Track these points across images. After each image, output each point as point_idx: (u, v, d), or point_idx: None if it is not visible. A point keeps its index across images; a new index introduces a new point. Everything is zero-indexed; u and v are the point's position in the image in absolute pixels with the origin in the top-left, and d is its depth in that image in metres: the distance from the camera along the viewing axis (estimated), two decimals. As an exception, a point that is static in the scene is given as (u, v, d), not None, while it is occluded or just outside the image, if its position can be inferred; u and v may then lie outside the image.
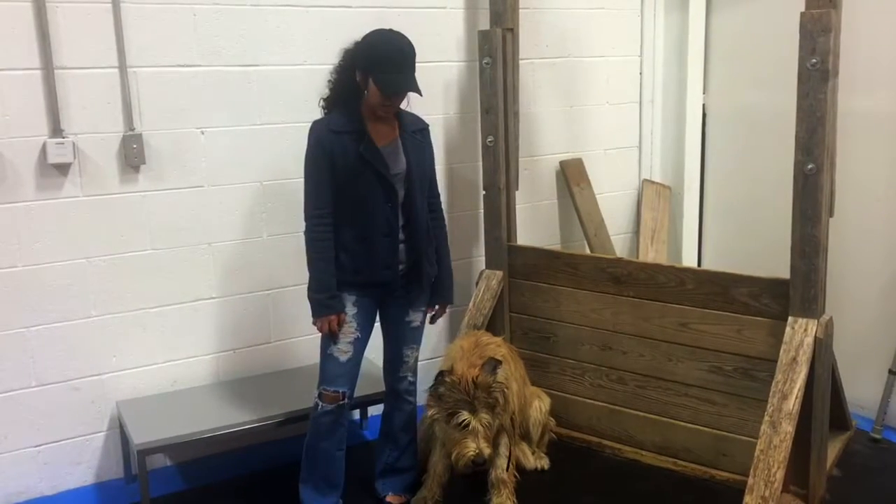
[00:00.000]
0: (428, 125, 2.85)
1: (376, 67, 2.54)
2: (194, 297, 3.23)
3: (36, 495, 3.07)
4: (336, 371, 2.71)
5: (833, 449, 3.13)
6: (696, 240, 4.28)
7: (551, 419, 3.32)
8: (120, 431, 3.13)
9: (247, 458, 3.34)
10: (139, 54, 2.99)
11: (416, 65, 2.61)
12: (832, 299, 2.91)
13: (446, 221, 2.99)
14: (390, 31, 2.63)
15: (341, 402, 2.72)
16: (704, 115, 4.17)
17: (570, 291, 3.34)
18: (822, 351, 2.71)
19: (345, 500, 2.87)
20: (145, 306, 3.14)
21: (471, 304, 3.44)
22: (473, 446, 2.60)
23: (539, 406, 3.20)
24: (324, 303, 2.64)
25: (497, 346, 2.95)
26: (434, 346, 3.72)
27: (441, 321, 3.05)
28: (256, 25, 3.18)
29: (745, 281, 2.90)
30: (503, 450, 2.86)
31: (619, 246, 4.24)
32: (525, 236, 3.74)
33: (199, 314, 3.25)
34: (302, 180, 2.67)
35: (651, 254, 4.11)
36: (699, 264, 4.28)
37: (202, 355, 3.29)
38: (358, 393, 2.85)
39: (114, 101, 2.97)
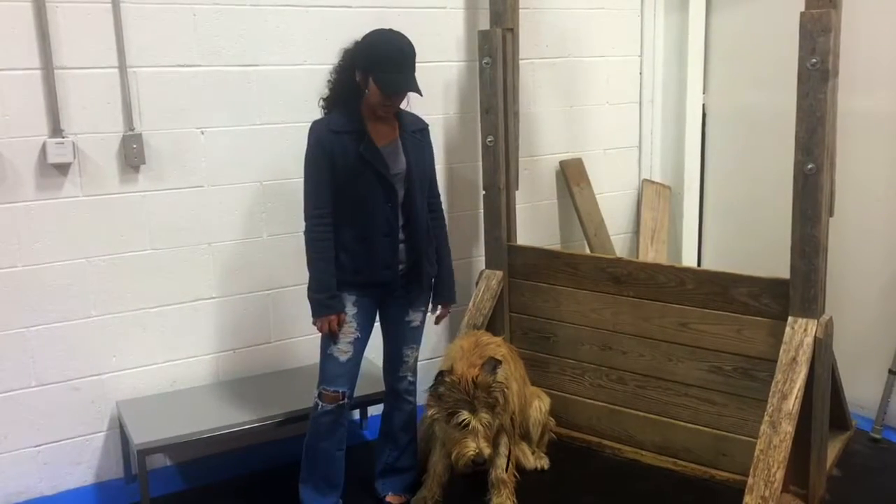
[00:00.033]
0: (428, 125, 2.85)
1: (376, 67, 2.54)
2: (194, 297, 3.23)
3: (36, 495, 3.07)
4: (336, 371, 2.71)
5: (833, 449, 3.13)
6: (696, 240, 4.28)
7: (551, 419, 3.32)
8: (120, 431, 3.13)
9: (247, 458, 3.34)
10: (139, 54, 2.99)
11: (416, 65, 2.61)
12: (832, 299, 2.91)
13: (446, 221, 2.99)
14: (390, 30, 2.63)
15: (341, 402, 2.72)
16: (704, 115, 4.17)
17: (570, 291, 3.34)
18: (822, 351, 2.71)
19: (345, 500, 2.87)
20: (145, 306, 3.14)
21: (470, 304, 3.44)
22: (473, 446, 2.60)
23: (539, 406, 3.20)
24: (324, 303, 2.64)
25: (497, 346, 2.95)
26: (434, 346, 3.72)
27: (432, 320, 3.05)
28: (256, 25, 3.18)
29: (745, 281, 2.90)
30: (503, 449, 2.86)
31: (619, 246, 4.24)
32: (525, 236, 3.74)
33: (199, 314, 3.25)
34: (302, 180, 2.67)
35: (651, 254, 4.11)
36: (699, 264, 4.28)
37: (202, 355, 3.29)
38: (358, 393, 2.85)
39: (114, 101, 2.98)
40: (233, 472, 3.25)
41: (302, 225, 2.68)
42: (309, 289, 2.67)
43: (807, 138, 2.62)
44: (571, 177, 4.02)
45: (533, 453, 3.21)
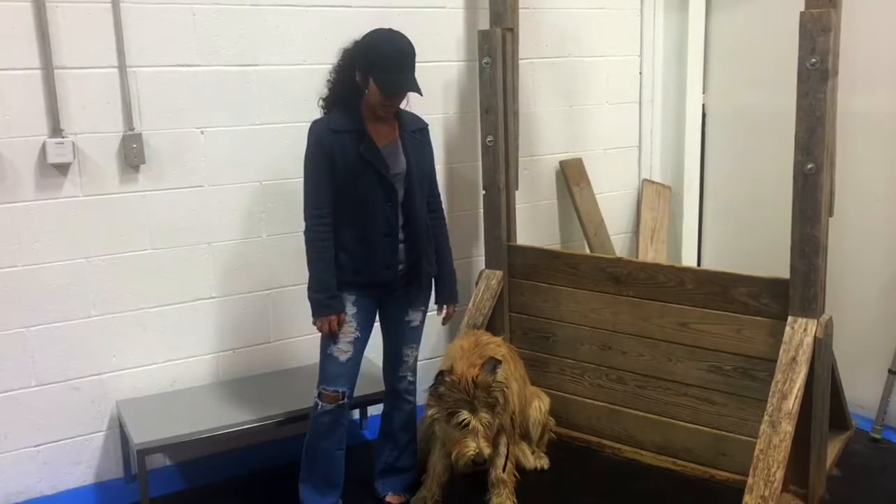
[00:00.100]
0: (427, 125, 2.85)
1: (376, 67, 2.54)
2: (194, 296, 3.23)
3: (36, 495, 3.07)
4: (336, 371, 2.71)
5: (833, 449, 3.13)
6: (695, 240, 4.28)
7: (551, 419, 3.32)
8: (120, 431, 3.13)
9: (246, 458, 3.34)
10: (139, 54, 2.99)
11: (416, 65, 2.61)
12: (832, 299, 2.91)
13: (446, 221, 2.98)
14: (390, 30, 2.63)
15: (341, 402, 2.72)
16: (704, 115, 4.17)
17: (570, 291, 3.34)
18: (822, 351, 2.71)
19: (344, 500, 2.87)
20: (145, 306, 3.14)
21: (470, 304, 3.44)
22: (473, 446, 2.60)
23: (539, 406, 3.20)
24: (324, 303, 2.64)
25: (497, 346, 2.95)
26: (434, 345, 3.72)
27: (440, 320, 3.05)
28: (256, 25, 3.18)
29: (744, 281, 2.90)
30: (502, 449, 2.86)
31: (619, 246, 4.24)
32: (525, 236, 3.74)
33: (199, 314, 3.25)
34: (301, 180, 2.67)
35: (651, 253, 4.11)
36: (699, 264, 4.28)
37: (202, 355, 3.29)
38: (358, 393, 2.85)
39: (113, 100, 2.98)
40: (232, 472, 3.25)
41: (302, 225, 2.68)
42: (309, 288, 2.67)
43: (806, 138, 2.62)
44: (571, 177, 4.02)
45: (533, 453, 3.21)
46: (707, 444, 3.08)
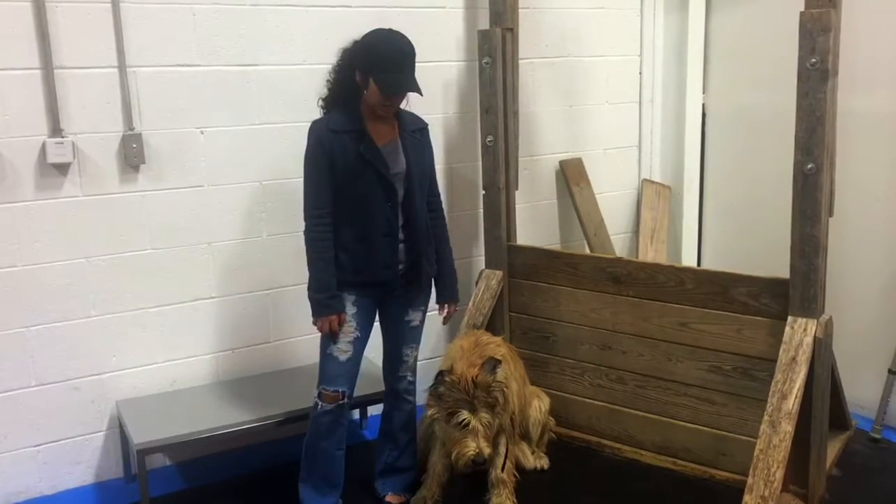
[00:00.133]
0: (427, 124, 2.85)
1: (376, 67, 2.54)
2: (194, 296, 3.23)
3: (35, 495, 3.07)
4: (336, 371, 2.71)
5: (833, 449, 3.13)
6: (695, 240, 4.28)
7: (551, 419, 3.32)
8: (120, 431, 3.13)
9: (246, 458, 3.34)
10: (139, 54, 2.99)
11: (416, 64, 2.61)
12: (832, 299, 2.91)
13: (446, 221, 2.98)
14: (390, 30, 2.63)
15: (341, 402, 2.72)
16: (704, 115, 4.17)
17: (570, 291, 3.34)
18: (822, 351, 2.71)
19: (344, 500, 2.87)
20: (145, 306, 3.14)
21: (470, 304, 3.44)
22: (473, 445, 2.60)
23: (539, 406, 3.20)
24: (324, 302, 2.64)
25: (497, 346, 2.95)
26: (434, 345, 3.72)
27: (440, 320, 3.05)
28: (256, 25, 3.18)
29: (744, 281, 2.90)
30: (502, 449, 2.86)
31: (619, 246, 4.24)
32: (525, 236, 3.74)
33: (199, 314, 3.25)
34: (301, 180, 2.67)
35: (651, 253, 4.11)
36: (699, 264, 4.28)
37: (202, 355, 3.29)
38: (358, 393, 2.85)
39: (113, 100, 2.98)
40: (232, 472, 3.25)
41: (301, 225, 2.68)
42: (309, 288, 2.67)
43: (806, 138, 2.62)
44: (571, 176, 4.02)
45: (532, 453, 3.21)
46: (707, 444, 3.08)
